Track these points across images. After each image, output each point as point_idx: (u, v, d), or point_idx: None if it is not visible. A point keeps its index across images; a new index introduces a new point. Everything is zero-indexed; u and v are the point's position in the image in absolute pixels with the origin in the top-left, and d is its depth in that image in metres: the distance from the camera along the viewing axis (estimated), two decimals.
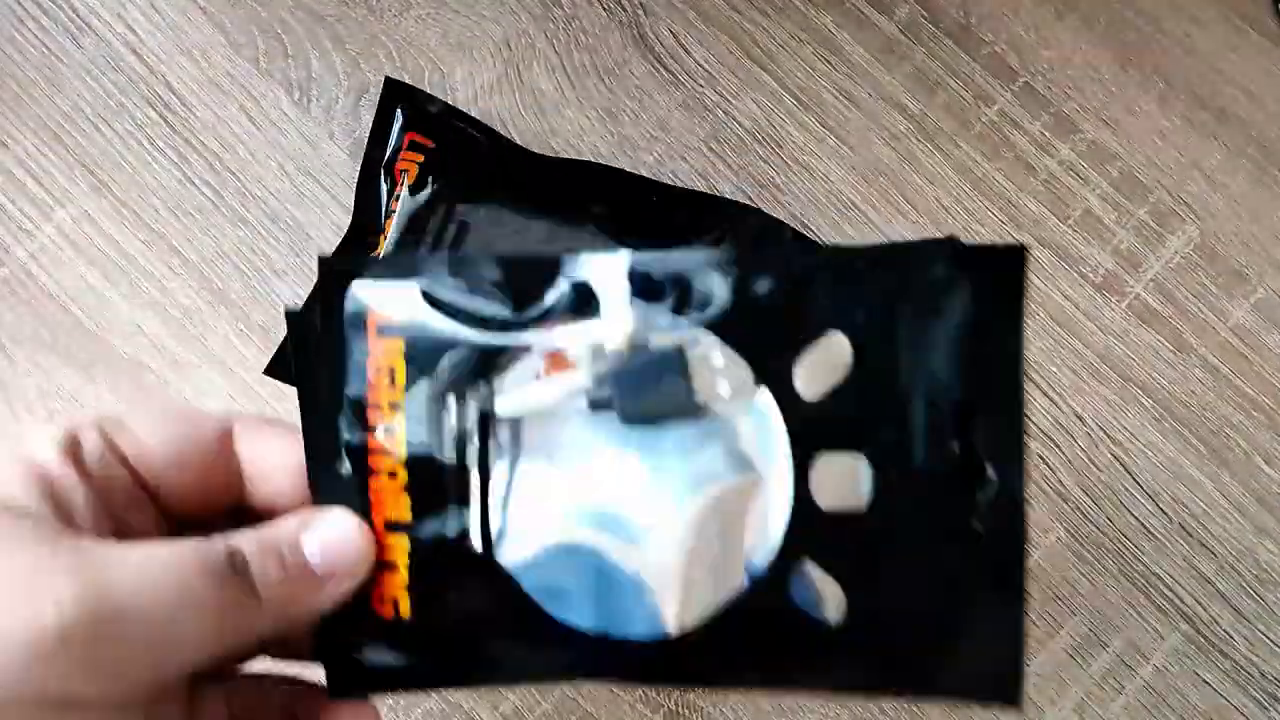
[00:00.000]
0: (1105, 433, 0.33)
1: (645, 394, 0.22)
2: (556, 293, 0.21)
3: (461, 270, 0.21)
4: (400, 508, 0.21)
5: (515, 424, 0.22)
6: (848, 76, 0.35)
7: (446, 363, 0.21)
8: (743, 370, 0.21)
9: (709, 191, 0.35)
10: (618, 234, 0.32)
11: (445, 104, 0.34)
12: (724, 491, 0.21)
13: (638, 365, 0.22)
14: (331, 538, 0.20)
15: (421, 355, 0.21)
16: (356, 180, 0.34)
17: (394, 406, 0.21)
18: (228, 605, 0.18)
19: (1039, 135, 0.35)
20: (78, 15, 0.36)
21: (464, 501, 0.21)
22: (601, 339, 0.22)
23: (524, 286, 0.21)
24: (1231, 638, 0.32)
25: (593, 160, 0.35)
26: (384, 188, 0.34)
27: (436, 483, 0.21)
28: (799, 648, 0.21)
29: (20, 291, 0.34)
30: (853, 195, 0.35)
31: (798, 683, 0.22)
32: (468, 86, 0.35)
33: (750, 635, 0.21)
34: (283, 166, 0.35)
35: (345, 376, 0.21)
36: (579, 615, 0.21)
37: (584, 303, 0.21)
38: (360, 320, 0.21)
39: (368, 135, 0.34)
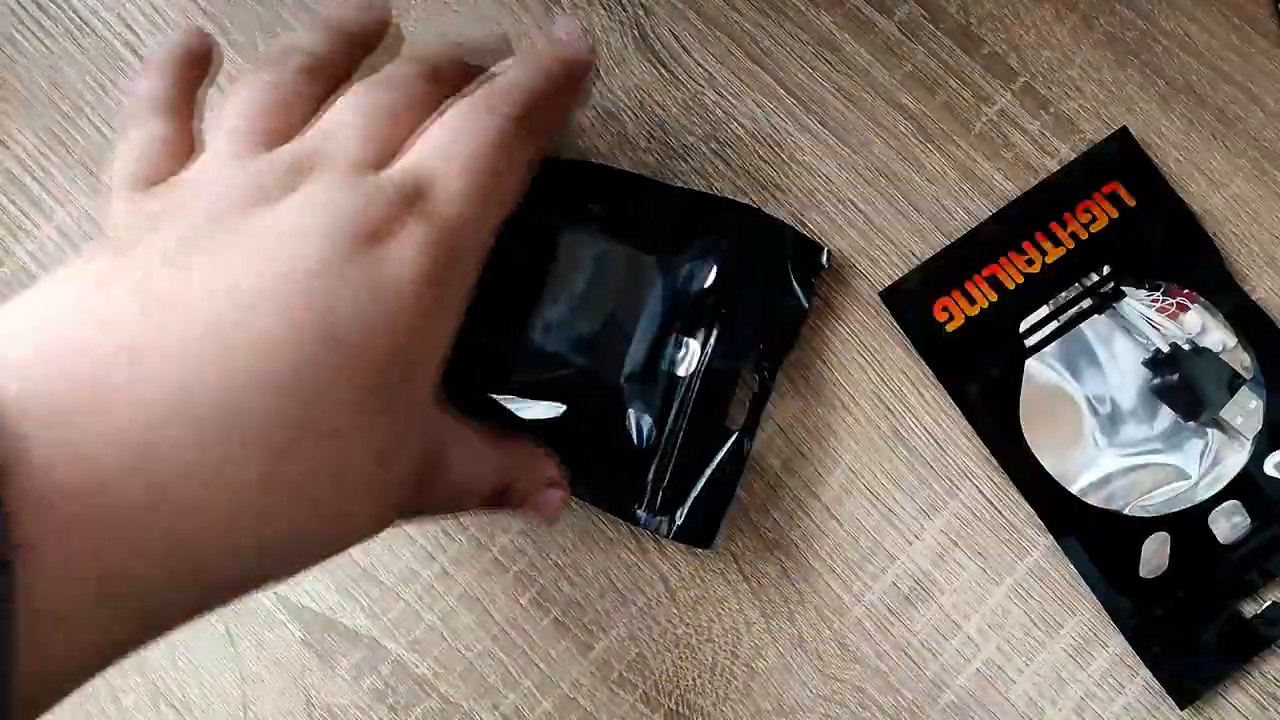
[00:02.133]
0: None
1: (1206, 375, 0.32)
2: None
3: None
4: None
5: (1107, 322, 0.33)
6: (848, 76, 0.35)
7: None
8: (1256, 421, 0.32)
9: (709, 191, 0.35)
10: (616, 233, 0.32)
11: None
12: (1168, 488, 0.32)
13: (1213, 358, 0.33)
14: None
15: None
16: None
17: None
18: None
19: (1039, 135, 0.35)
20: (78, 15, 0.36)
21: None
22: (1209, 329, 0.33)
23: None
24: None
25: (592, 160, 0.35)
26: None
27: None
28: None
29: (20, 291, 0.34)
30: (853, 195, 0.35)
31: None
32: None
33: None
34: None
35: None
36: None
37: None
38: None
39: None
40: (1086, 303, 0.33)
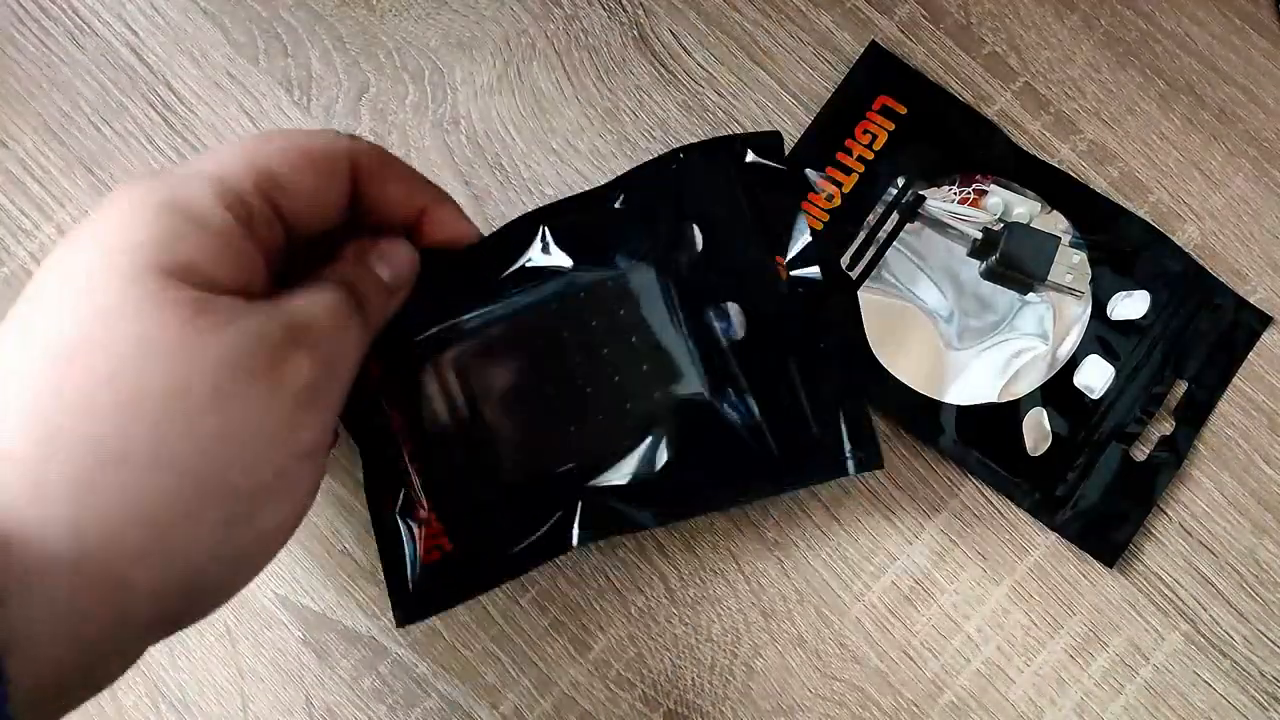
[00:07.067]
0: None
1: (1024, 247, 0.33)
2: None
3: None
4: None
5: (929, 220, 0.34)
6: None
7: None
8: (1085, 271, 0.33)
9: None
10: (587, 268, 0.31)
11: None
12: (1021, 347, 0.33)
13: (1026, 229, 0.33)
14: (396, 263, 0.28)
15: None
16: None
17: None
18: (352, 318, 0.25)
19: (1039, 135, 0.35)
20: (78, 15, 0.36)
21: None
22: (1013, 204, 0.34)
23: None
24: (1231, 638, 0.32)
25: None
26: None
27: None
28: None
29: (21, 291, 0.34)
30: None
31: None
32: (467, 86, 0.35)
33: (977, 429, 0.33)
34: None
35: None
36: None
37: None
38: None
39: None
40: (894, 218, 0.34)
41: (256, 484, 0.22)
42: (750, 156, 0.32)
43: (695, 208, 0.31)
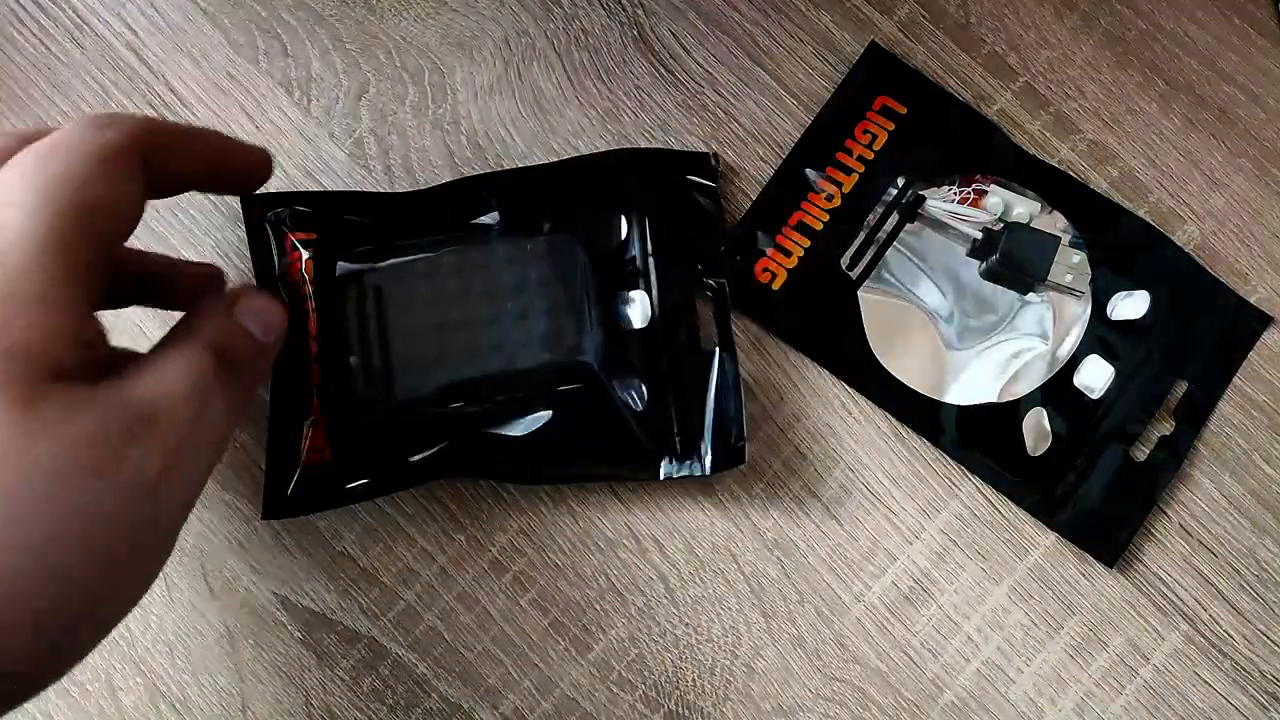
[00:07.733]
0: None
1: (1024, 247, 0.33)
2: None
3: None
4: None
5: (928, 219, 0.34)
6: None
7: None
8: (1085, 271, 0.33)
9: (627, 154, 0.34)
10: (514, 231, 0.33)
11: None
12: (1020, 347, 0.33)
13: (1026, 229, 0.33)
14: (268, 319, 0.28)
15: None
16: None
17: None
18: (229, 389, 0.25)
19: (1039, 135, 0.35)
20: (78, 15, 0.36)
21: None
22: (1013, 204, 0.34)
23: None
24: (1231, 638, 0.32)
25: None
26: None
27: None
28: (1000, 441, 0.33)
29: None
30: None
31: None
32: (467, 86, 0.35)
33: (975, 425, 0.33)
34: (283, 166, 0.35)
35: None
36: None
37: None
38: None
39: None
40: (894, 218, 0.34)
41: (106, 567, 0.21)
42: (687, 174, 0.34)
43: (627, 202, 0.33)
